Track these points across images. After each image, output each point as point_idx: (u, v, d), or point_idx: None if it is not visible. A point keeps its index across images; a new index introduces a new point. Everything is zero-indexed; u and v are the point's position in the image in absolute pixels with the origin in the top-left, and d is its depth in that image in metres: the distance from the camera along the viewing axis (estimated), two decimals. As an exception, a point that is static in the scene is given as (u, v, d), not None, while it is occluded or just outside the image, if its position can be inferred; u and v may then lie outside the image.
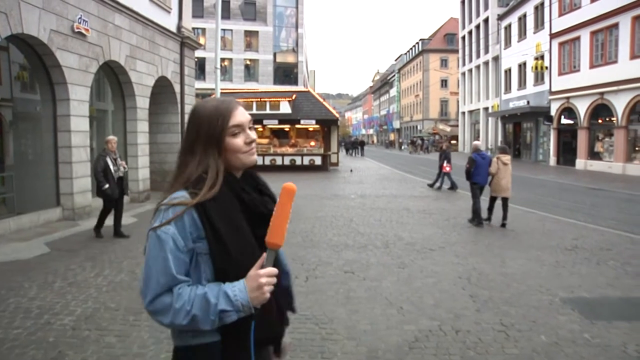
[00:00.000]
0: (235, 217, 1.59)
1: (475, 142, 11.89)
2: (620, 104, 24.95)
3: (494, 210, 11.02)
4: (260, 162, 26.19)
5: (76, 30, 10.87)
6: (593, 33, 27.38)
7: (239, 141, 1.64)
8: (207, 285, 1.54)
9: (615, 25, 25.39)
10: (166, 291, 1.53)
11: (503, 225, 10.50)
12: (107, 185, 8.82)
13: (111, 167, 8.96)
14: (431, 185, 18.38)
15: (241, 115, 1.65)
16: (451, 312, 5.28)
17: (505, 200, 10.72)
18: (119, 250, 8.18)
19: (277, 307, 1.67)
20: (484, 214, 10.95)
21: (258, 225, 1.61)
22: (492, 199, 11.02)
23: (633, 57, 24.11)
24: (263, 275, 1.51)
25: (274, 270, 1.53)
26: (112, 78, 13.72)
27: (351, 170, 26.85)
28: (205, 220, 1.55)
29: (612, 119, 25.93)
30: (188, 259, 1.56)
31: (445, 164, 17.75)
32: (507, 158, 10.83)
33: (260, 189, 1.75)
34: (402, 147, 74.86)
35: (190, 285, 1.55)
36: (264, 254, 1.55)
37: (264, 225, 1.58)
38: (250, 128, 1.68)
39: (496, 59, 43.63)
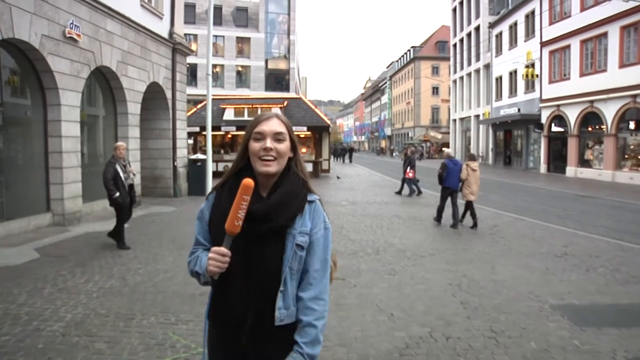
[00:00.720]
0: (227, 205, 1.87)
1: (447, 150, 13.01)
2: (609, 112, 25.17)
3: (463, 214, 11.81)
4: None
5: (68, 35, 10.84)
6: (583, 42, 27.66)
7: (256, 145, 1.92)
8: (207, 253, 1.93)
9: (605, 35, 25.67)
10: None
11: (474, 224, 11.32)
12: (117, 194, 8.56)
13: (121, 174, 8.71)
14: (399, 193, 18.67)
15: (265, 125, 1.94)
16: (442, 319, 5.29)
17: (470, 203, 11.61)
18: (109, 256, 8.13)
19: (251, 300, 1.90)
20: (468, 221, 11.67)
21: (248, 219, 1.85)
22: (468, 204, 11.66)
23: (622, 66, 24.37)
24: (212, 252, 1.85)
25: (221, 250, 1.82)
26: (103, 83, 13.67)
27: (338, 177, 26.85)
28: (214, 201, 2.02)
29: (602, 127, 26.16)
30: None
31: (408, 169, 18.10)
32: (475, 164, 11.78)
33: (275, 191, 1.96)
34: (394, 154, 75.05)
35: (207, 249, 1.98)
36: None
37: (251, 221, 1.86)
38: (278, 140, 1.94)
39: (487, 66, 43.92)
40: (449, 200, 11.73)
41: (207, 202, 2.05)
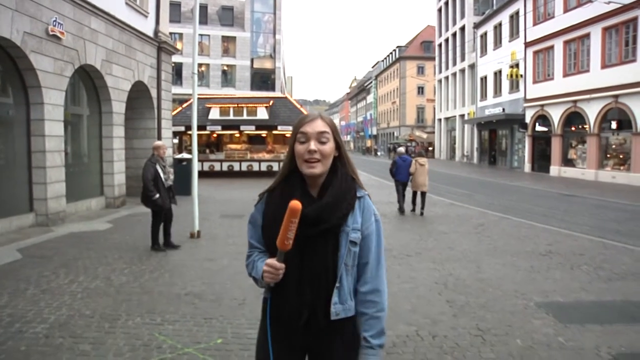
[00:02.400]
0: (278, 209, 1.93)
1: (400, 149, 15.16)
2: (592, 112, 25.47)
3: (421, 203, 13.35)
4: (237, 168, 26.05)
5: (51, 33, 10.71)
6: (566, 42, 27.94)
7: (301, 147, 1.95)
8: (263, 257, 2.02)
9: (587, 35, 25.96)
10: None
11: (421, 213, 13.12)
12: (157, 195, 8.26)
13: (161, 175, 8.42)
14: None
15: (309, 126, 1.96)
16: (428, 318, 5.31)
17: (423, 194, 13.36)
18: (94, 256, 8.05)
19: (307, 303, 1.95)
20: (408, 205, 13.62)
21: (301, 221, 1.86)
22: (414, 193, 13.58)
23: (604, 66, 24.67)
24: (266, 265, 1.91)
25: (275, 264, 1.88)
26: (87, 82, 13.54)
27: None
28: (265, 206, 2.07)
29: (585, 126, 26.45)
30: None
31: None
32: (423, 160, 13.54)
33: (324, 194, 1.98)
34: (378, 154, 75.24)
35: (261, 252, 2.07)
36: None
37: (305, 223, 1.88)
38: (322, 142, 1.95)
39: (472, 66, 44.21)
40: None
41: (257, 207, 2.10)
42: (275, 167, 26.46)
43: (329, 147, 1.96)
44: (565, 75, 28.16)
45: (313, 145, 1.92)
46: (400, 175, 13.58)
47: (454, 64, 49.73)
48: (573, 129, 28.15)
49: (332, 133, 1.98)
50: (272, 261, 1.88)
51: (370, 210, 2.04)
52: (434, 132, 59.90)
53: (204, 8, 48.15)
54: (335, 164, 2.02)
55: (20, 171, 10.70)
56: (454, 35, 49.54)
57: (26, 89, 10.62)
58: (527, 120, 32.22)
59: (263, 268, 1.91)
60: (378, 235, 2.05)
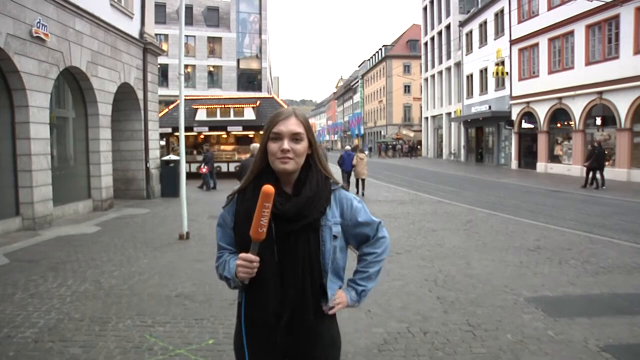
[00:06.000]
0: (251, 207, 1.86)
1: (347, 147, 20.27)
2: (577, 108, 25.71)
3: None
4: (225, 169, 25.97)
5: (35, 34, 10.61)
6: (550, 40, 28.18)
7: (274, 146, 1.93)
8: (235, 257, 1.96)
9: (571, 33, 26.20)
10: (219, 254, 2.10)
11: (362, 194, 17.13)
12: None
13: None
14: (201, 187, 20.42)
15: (283, 125, 1.94)
16: (419, 314, 5.34)
17: (363, 180, 17.70)
18: (82, 259, 7.99)
19: (285, 298, 1.94)
20: (353, 189, 17.59)
21: (280, 218, 1.91)
22: (357, 180, 17.89)
23: (588, 63, 24.92)
24: (239, 259, 1.86)
25: (248, 257, 1.83)
26: (73, 84, 13.42)
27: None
28: (236, 205, 2.03)
29: (570, 123, 26.68)
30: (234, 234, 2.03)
31: (202, 165, 20.19)
32: (363, 155, 18.37)
33: (301, 190, 1.97)
34: (365, 152, 75.34)
35: (232, 253, 2.03)
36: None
37: (284, 220, 1.91)
38: (295, 140, 1.93)
39: (458, 64, 44.42)
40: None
41: (227, 207, 2.07)
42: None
43: (302, 146, 1.95)
44: (550, 72, 28.40)
45: (286, 144, 1.91)
46: (345, 165, 18.24)
47: (440, 62, 49.94)
48: (559, 125, 28.40)
49: (306, 132, 1.97)
50: (246, 254, 1.84)
51: (349, 197, 2.08)
52: (420, 131, 60.10)
53: (189, 9, 47.88)
54: (309, 161, 2.02)
55: (5, 175, 10.58)
56: (440, 33, 49.75)
57: (10, 92, 10.50)
58: (514, 117, 32.44)
59: (236, 262, 1.86)
60: (365, 212, 2.11)
